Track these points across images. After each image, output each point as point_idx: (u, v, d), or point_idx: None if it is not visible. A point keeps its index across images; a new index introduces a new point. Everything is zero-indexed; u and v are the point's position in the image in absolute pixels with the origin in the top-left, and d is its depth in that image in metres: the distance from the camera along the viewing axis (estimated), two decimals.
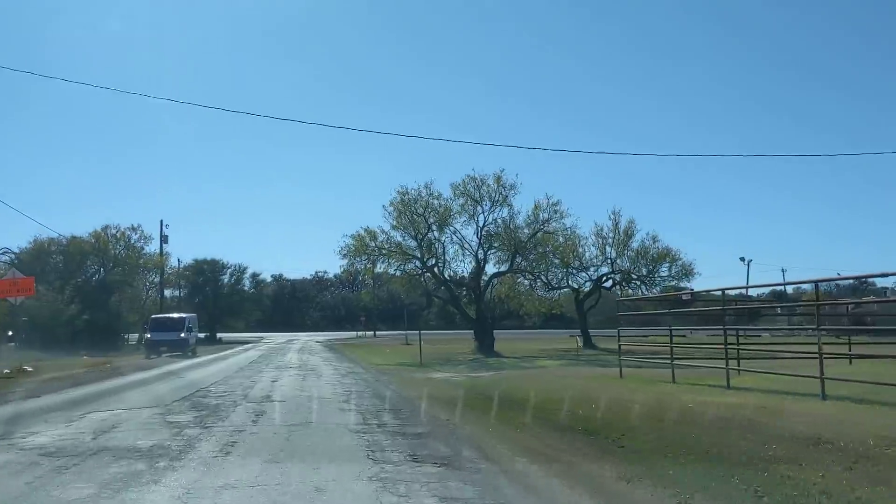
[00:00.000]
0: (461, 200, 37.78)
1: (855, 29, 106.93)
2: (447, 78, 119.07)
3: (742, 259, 77.60)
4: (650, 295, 42.41)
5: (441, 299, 42.87)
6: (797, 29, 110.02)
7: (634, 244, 44.19)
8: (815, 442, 7.83)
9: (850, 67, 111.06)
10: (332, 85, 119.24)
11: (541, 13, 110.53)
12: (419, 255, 38.04)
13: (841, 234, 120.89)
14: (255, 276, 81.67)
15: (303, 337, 69.22)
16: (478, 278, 38.85)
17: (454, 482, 6.35)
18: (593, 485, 6.47)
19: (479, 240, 38.22)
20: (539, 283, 42.27)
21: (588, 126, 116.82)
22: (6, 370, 21.50)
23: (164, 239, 60.64)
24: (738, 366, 18.77)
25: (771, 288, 68.91)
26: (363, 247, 37.33)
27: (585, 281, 45.42)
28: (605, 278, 45.57)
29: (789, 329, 35.39)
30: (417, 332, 35.06)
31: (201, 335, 60.36)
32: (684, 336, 30.02)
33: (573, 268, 43.41)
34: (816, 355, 12.26)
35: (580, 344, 37.15)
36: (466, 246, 38.55)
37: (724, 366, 16.35)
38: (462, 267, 39.36)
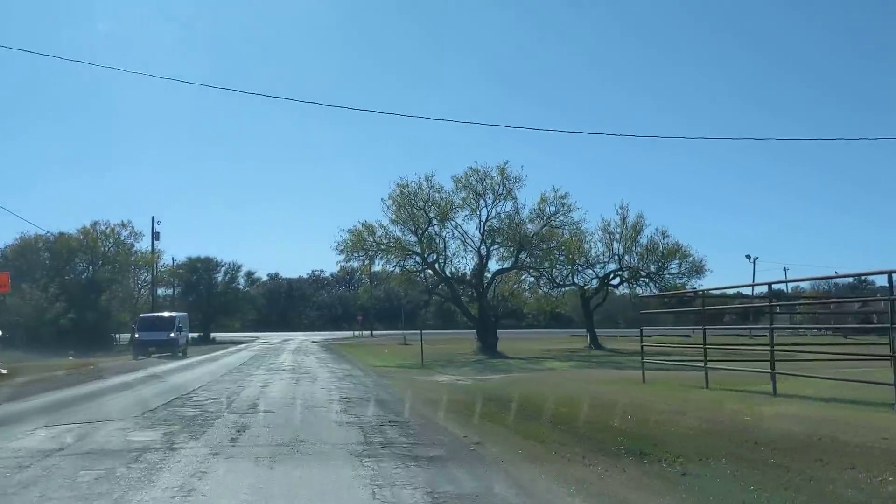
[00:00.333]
0: (463, 194, 36.06)
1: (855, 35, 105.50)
2: (453, 70, 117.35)
3: (748, 257, 76.41)
4: (658, 292, 40.84)
5: (442, 297, 41.17)
6: (803, 35, 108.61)
7: (643, 240, 42.55)
8: None
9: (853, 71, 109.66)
10: (333, 73, 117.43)
11: (550, 6, 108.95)
12: (419, 251, 36.31)
13: (841, 234, 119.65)
14: (250, 274, 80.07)
15: (299, 337, 67.49)
16: (480, 275, 37.15)
17: None
18: None
19: (482, 235, 36.54)
20: (544, 281, 40.51)
21: (593, 124, 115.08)
22: None
23: (155, 236, 59.06)
24: (773, 369, 17.26)
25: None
26: (361, 242, 35.58)
27: (592, 278, 43.73)
28: (612, 275, 43.88)
29: (817, 329, 33.47)
30: (418, 331, 33.38)
31: (194, 335, 58.86)
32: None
33: (578, 265, 41.66)
34: (889, 357, 10.58)
35: (596, 343, 35.53)
36: (468, 241, 36.89)
37: (763, 369, 14.83)
38: (464, 263, 37.70)
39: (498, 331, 37.19)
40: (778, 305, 17.88)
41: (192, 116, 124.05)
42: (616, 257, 42.83)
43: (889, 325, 10.34)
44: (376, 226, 36.00)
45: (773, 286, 16.14)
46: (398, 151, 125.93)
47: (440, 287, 38.83)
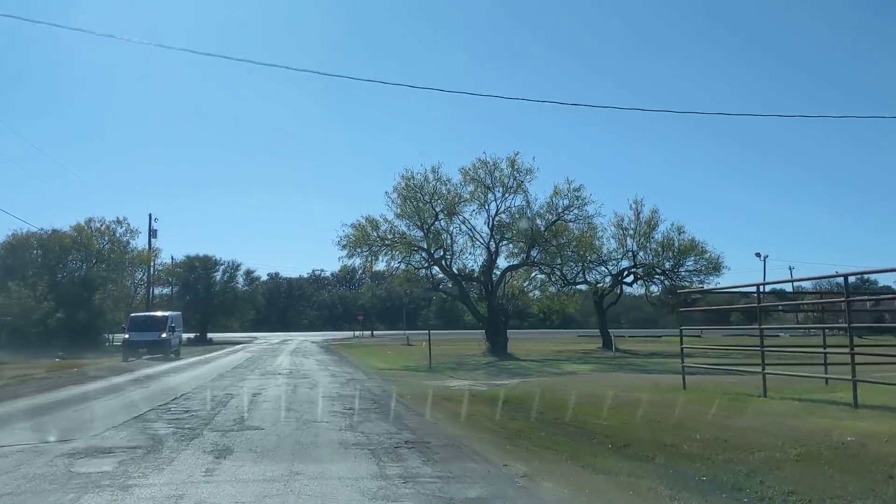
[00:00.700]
0: (471, 187, 34.10)
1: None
2: (459, 59, 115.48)
3: (758, 255, 74.38)
4: (675, 290, 38.82)
5: (449, 295, 39.17)
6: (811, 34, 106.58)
7: (657, 236, 40.49)
8: None
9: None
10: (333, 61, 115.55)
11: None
12: (426, 246, 34.34)
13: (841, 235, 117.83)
14: (249, 273, 78.42)
15: (298, 337, 65.57)
16: (489, 272, 35.17)
17: None
18: None
19: (491, 230, 34.55)
20: (555, 278, 38.49)
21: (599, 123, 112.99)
22: None
23: (152, 233, 57.45)
24: (826, 372, 15.33)
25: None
26: (364, 237, 33.58)
27: (605, 276, 41.65)
28: (625, 273, 41.79)
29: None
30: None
31: (191, 336, 57.05)
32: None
33: (590, 261, 39.58)
34: None
35: (609, 344, 33.59)
36: (477, 237, 34.90)
37: (837, 374, 12.92)
38: (472, 260, 35.72)
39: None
40: (855, 300, 15.94)
41: (192, 113, 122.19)
42: (630, 254, 40.84)
43: None
44: (380, 220, 34.16)
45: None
46: (401, 149, 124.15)
47: (449, 285, 36.87)
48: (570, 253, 36.22)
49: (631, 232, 40.52)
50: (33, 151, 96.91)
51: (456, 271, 35.22)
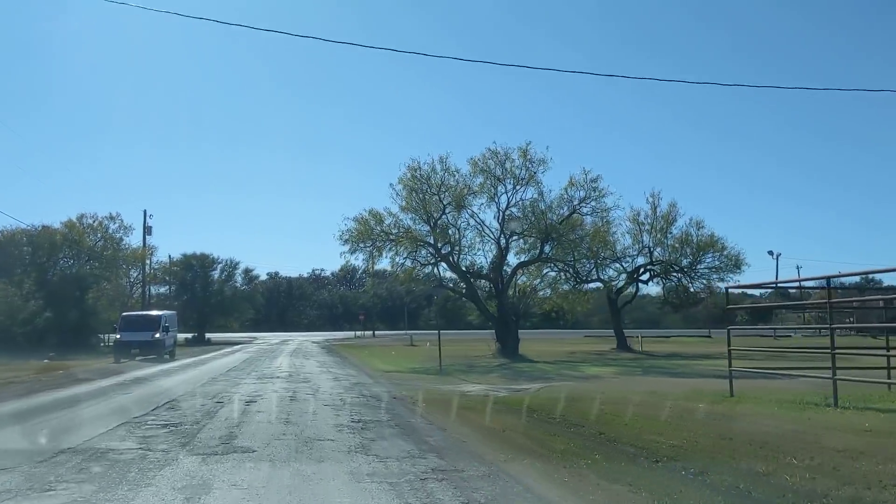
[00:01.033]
0: (480, 178, 32.24)
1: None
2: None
3: (770, 253, 72.69)
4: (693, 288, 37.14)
5: (456, 293, 37.37)
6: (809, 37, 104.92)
7: (674, 231, 38.64)
8: None
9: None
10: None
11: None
12: (432, 241, 32.52)
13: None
14: (248, 272, 76.68)
15: (298, 337, 63.86)
16: (499, 269, 33.34)
17: None
18: None
19: (501, 224, 32.73)
20: (568, 275, 36.67)
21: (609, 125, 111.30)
22: None
23: (147, 230, 55.66)
24: (889, 377, 13.65)
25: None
26: (367, 231, 31.72)
27: (620, 273, 39.81)
28: (641, 270, 39.95)
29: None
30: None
31: (188, 336, 55.39)
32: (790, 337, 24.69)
33: (603, 258, 37.72)
34: None
35: (624, 345, 31.87)
36: (486, 232, 33.08)
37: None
38: (480, 256, 33.87)
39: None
40: None
41: (189, 108, 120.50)
42: (647, 250, 38.99)
43: None
44: (384, 214, 32.25)
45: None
46: (401, 149, 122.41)
47: (458, 283, 35.08)
48: (583, 250, 34.46)
49: (647, 227, 38.74)
50: (26, 147, 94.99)
51: (464, 268, 33.47)
